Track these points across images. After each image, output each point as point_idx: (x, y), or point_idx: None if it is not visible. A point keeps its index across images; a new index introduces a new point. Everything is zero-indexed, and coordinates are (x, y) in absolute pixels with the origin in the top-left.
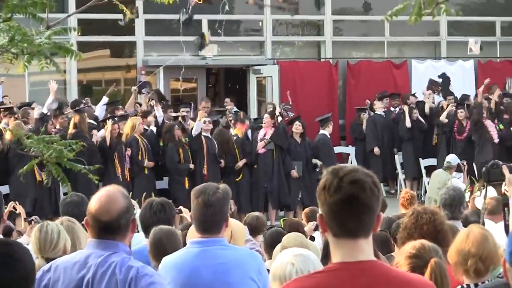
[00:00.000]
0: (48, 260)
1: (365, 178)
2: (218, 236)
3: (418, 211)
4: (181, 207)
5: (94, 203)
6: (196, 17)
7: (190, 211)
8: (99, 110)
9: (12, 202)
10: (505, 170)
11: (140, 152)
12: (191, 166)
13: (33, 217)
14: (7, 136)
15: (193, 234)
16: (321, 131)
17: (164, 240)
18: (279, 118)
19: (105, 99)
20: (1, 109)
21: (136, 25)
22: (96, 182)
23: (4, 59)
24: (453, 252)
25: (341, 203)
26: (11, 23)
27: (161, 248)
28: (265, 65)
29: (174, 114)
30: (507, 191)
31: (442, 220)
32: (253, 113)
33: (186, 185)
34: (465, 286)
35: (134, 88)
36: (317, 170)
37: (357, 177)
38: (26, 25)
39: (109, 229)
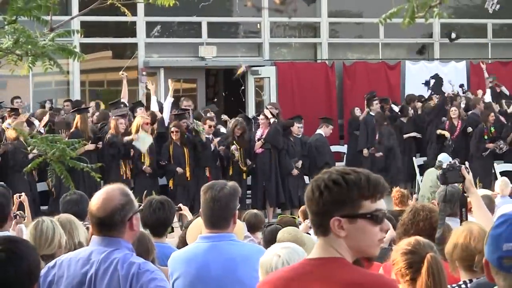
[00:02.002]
0: (43, 256)
1: (318, 182)
2: (227, 231)
3: (417, 208)
4: (180, 205)
5: (93, 200)
6: (196, 19)
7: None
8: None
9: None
10: (464, 171)
11: (142, 153)
12: (178, 169)
13: (17, 212)
14: (10, 135)
15: (192, 233)
16: (318, 131)
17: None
18: (272, 120)
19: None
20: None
21: (138, 27)
22: (98, 180)
23: (9, 60)
24: (454, 247)
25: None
26: (16, 25)
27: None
28: (263, 66)
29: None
30: (465, 192)
31: (438, 217)
32: (251, 113)
33: (171, 185)
34: (467, 281)
35: (121, 72)
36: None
37: (316, 177)
38: (30, 27)
39: (104, 225)
